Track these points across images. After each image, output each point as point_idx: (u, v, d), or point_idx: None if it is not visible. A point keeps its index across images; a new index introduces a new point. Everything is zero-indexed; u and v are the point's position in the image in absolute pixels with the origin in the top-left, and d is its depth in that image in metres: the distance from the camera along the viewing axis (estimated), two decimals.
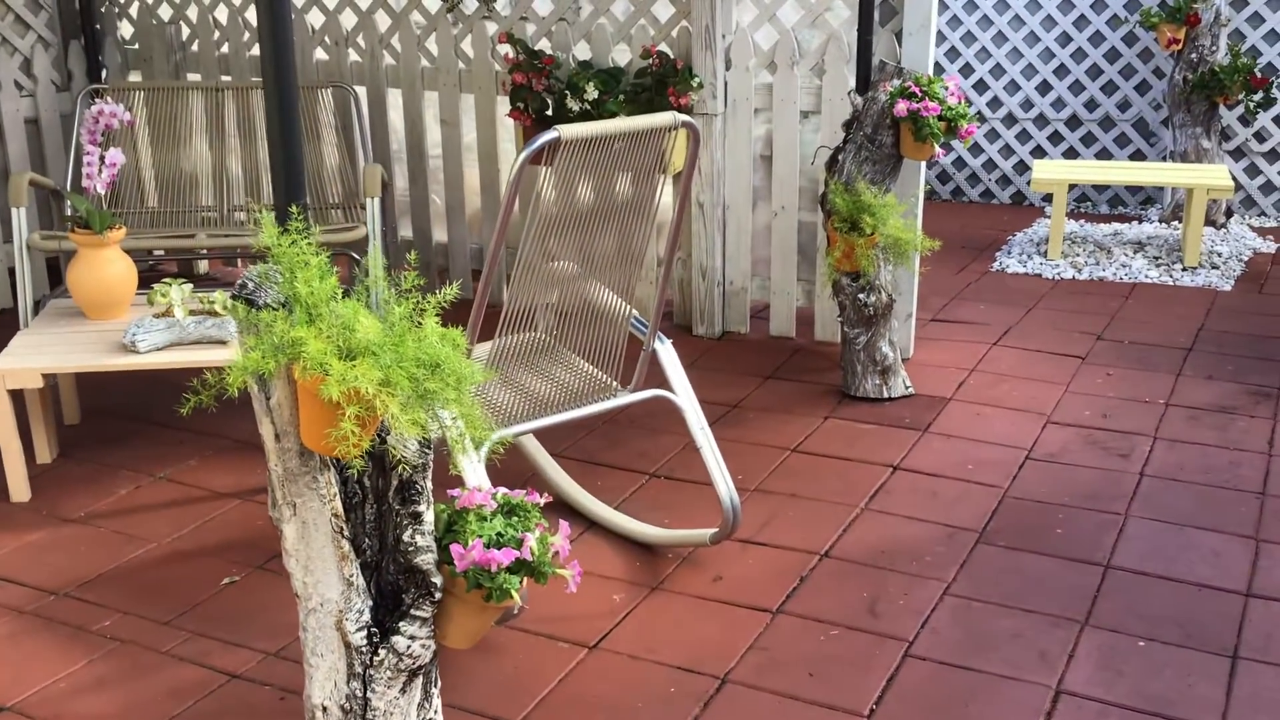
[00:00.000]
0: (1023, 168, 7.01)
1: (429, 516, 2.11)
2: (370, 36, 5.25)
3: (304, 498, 2.04)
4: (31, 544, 3.42)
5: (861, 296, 4.15)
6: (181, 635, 3.00)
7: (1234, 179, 6.53)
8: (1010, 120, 7.00)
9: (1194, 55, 6.18)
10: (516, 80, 4.72)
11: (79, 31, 5.50)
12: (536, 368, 3.15)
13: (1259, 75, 6.10)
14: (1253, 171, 6.60)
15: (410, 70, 5.21)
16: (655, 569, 3.26)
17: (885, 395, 4.24)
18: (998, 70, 6.97)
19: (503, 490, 2.23)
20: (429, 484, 2.10)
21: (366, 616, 2.10)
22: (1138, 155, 6.79)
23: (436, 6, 5.21)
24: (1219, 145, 6.32)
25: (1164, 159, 6.67)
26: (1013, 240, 6.22)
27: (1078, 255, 5.89)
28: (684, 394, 3.19)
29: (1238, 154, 6.60)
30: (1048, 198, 6.94)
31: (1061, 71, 6.84)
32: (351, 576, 2.08)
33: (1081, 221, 6.57)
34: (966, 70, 7.00)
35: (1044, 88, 6.89)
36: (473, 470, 2.64)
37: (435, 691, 2.22)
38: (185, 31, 5.66)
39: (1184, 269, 5.66)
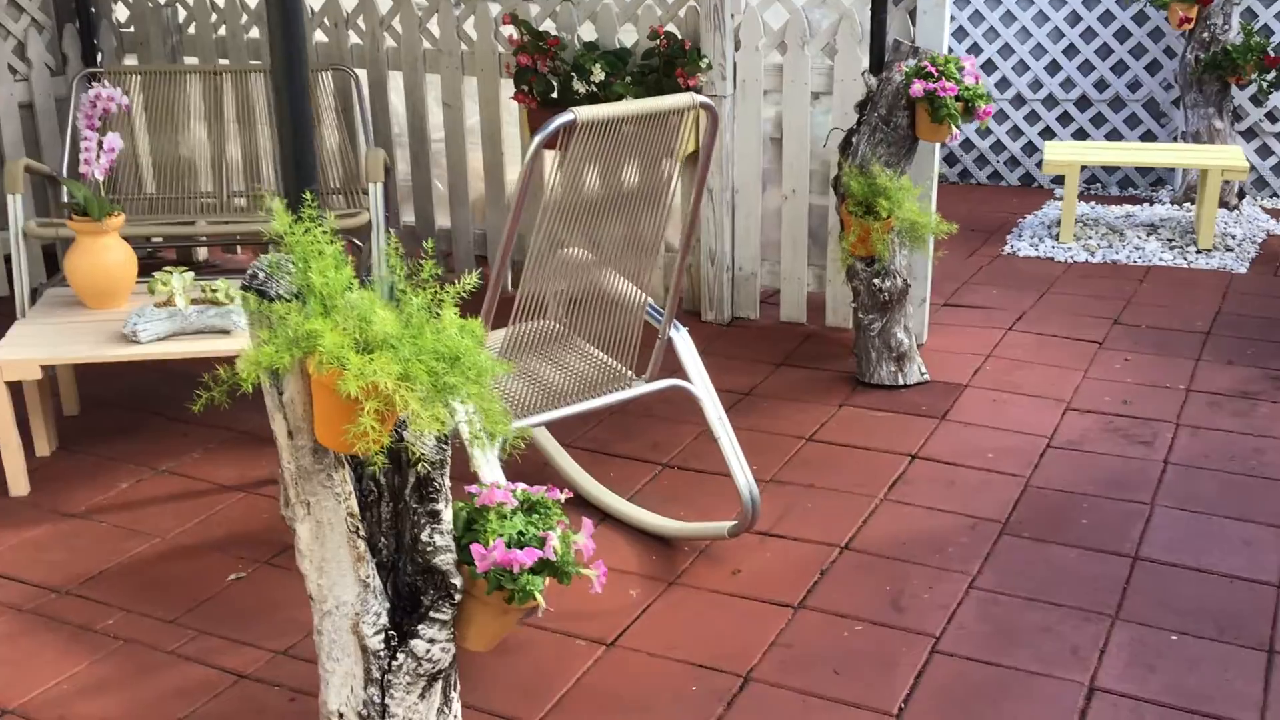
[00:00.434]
0: (1031, 149, 6.92)
1: (447, 515, 2.02)
2: (371, 18, 5.15)
3: (318, 496, 1.96)
4: (31, 540, 3.34)
5: (876, 282, 4.06)
6: (187, 634, 2.92)
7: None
8: (1019, 101, 6.90)
9: (1206, 34, 6.08)
10: (521, 62, 4.63)
11: (73, 15, 5.39)
12: (550, 357, 3.06)
13: (1271, 54, 6.01)
14: (1264, 152, 6.51)
15: (411, 52, 5.11)
16: (672, 563, 3.18)
17: (901, 382, 4.16)
18: (1006, 50, 6.87)
19: (522, 486, 2.15)
20: (447, 481, 2.02)
21: (384, 620, 2.02)
22: (1148, 136, 6.70)
23: None
24: (1231, 125, 6.23)
25: (1175, 140, 6.58)
26: (1023, 223, 6.14)
27: (1090, 238, 5.81)
28: (701, 384, 3.11)
29: (1249, 134, 6.51)
30: (1057, 180, 6.85)
31: (1071, 51, 6.74)
32: (368, 578, 2.00)
33: (1092, 203, 6.49)
34: (974, 50, 6.90)
35: (1053, 68, 6.80)
36: (489, 466, 2.56)
37: (455, 695, 2.14)
38: (181, 14, 5.55)
39: (1198, 251, 5.58)
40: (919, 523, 3.34)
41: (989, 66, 6.91)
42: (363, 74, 5.16)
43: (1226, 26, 6.08)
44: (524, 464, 3.64)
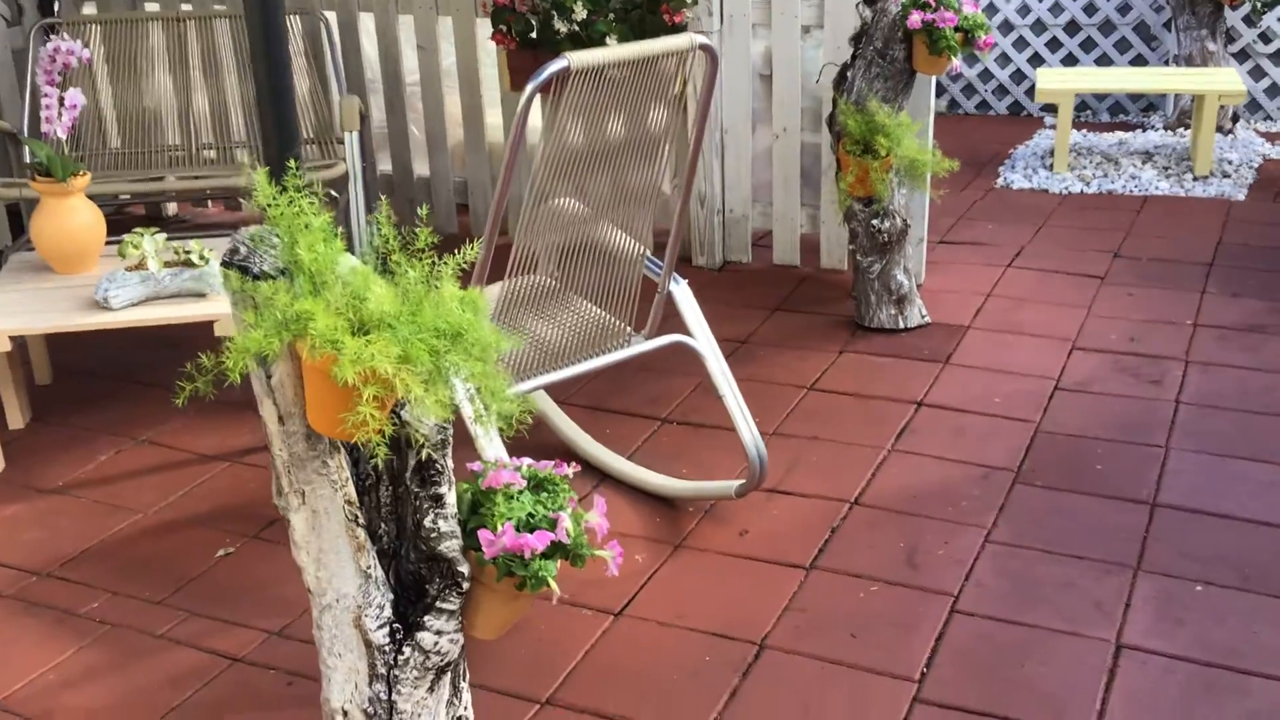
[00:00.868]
0: (1020, 77, 6.77)
1: (451, 498, 1.90)
2: None
3: (313, 484, 1.83)
4: (6, 519, 3.20)
5: (875, 223, 3.93)
6: (176, 615, 2.80)
7: None
8: (1006, 27, 6.74)
9: None
10: (498, 1, 4.43)
11: None
12: (546, 314, 2.93)
13: None
14: (1258, 74, 6.38)
15: None
16: (677, 525, 3.07)
17: (901, 326, 4.04)
18: None
19: (528, 462, 2.02)
20: (449, 462, 1.89)
21: (388, 612, 1.90)
22: (1139, 61, 6.55)
23: None
24: (1224, 48, 6.09)
25: (1166, 63, 6.44)
26: (1015, 154, 6.00)
27: (1084, 168, 5.68)
28: (703, 338, 2.98)
29: (1242, 56, 6.37)
30: (1047, 108, 6.70)
31: None
32: (369, 568, 1.88)
33: (1084, 131, 6.35)
34: None
35: None
36: (493, 444, 2.43)
37: (465, 686, 2.03)
38: None
39: (1195, 178, 5.46)
40: (929, 474, 3.24)
41: None
42: (332, 17, 4.96)
43: None
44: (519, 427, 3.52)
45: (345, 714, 1.93)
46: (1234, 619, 2.63)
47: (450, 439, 1.90)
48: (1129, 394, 3.60)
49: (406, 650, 1.89)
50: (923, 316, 4.08)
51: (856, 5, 4.04)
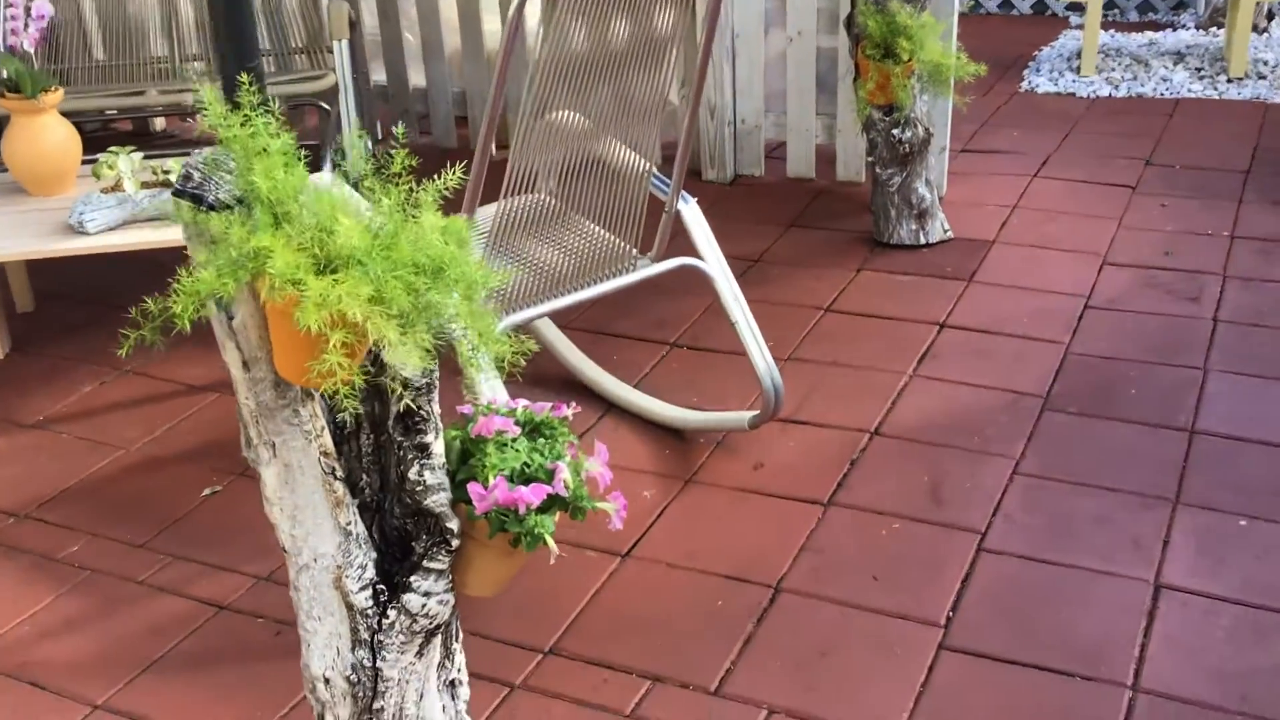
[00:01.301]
0: None
1: (438, 447, 1.73)
2: None
3: (284, 436, 1.66)
4: None
5: (896, 133, 3.70)
6: (160, 559, 2.66)
7: None
8: None
9: None
10: None
11: None
12: (546, 236, 2.73)
13: None
14: None
15: None
16: (687, 458, 2.90)
17: (922, 241, 3.84)
18: None
19: (523, 404, 1.85)
20: (436, 408, 1.72)
21: (371, 572, 1.74)
22: None
23: None
24: None
25: None
26: (1040, 56, 5.72)
27: (1113, 70, 5.41)
28: (714, 261, 2.79)
29: None
30: (1073, 7, 6.40)
31: None
32: (349, 525, 1.72)
33: (1111, 31, 6.06)
34: None
35: None
36: (489, 382, 2.25)
37: (457, 647, 1.88)
38: None
39: (1229, 80, 5.20)
40: (953, 400, 3.06)
41: None
42: None
43: None
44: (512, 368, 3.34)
45: (327, 681, 1.78)
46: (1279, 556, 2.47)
47: (436, 382, 1.72)
48: (1164, 312, 3.40)
49: (391, 613, 1.73)
50: (945, 231, 3.87)
51: None
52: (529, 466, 1.74)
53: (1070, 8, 6.43)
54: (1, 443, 3.10)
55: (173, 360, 3.43)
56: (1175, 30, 6.02)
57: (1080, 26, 5.97)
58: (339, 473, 1.70)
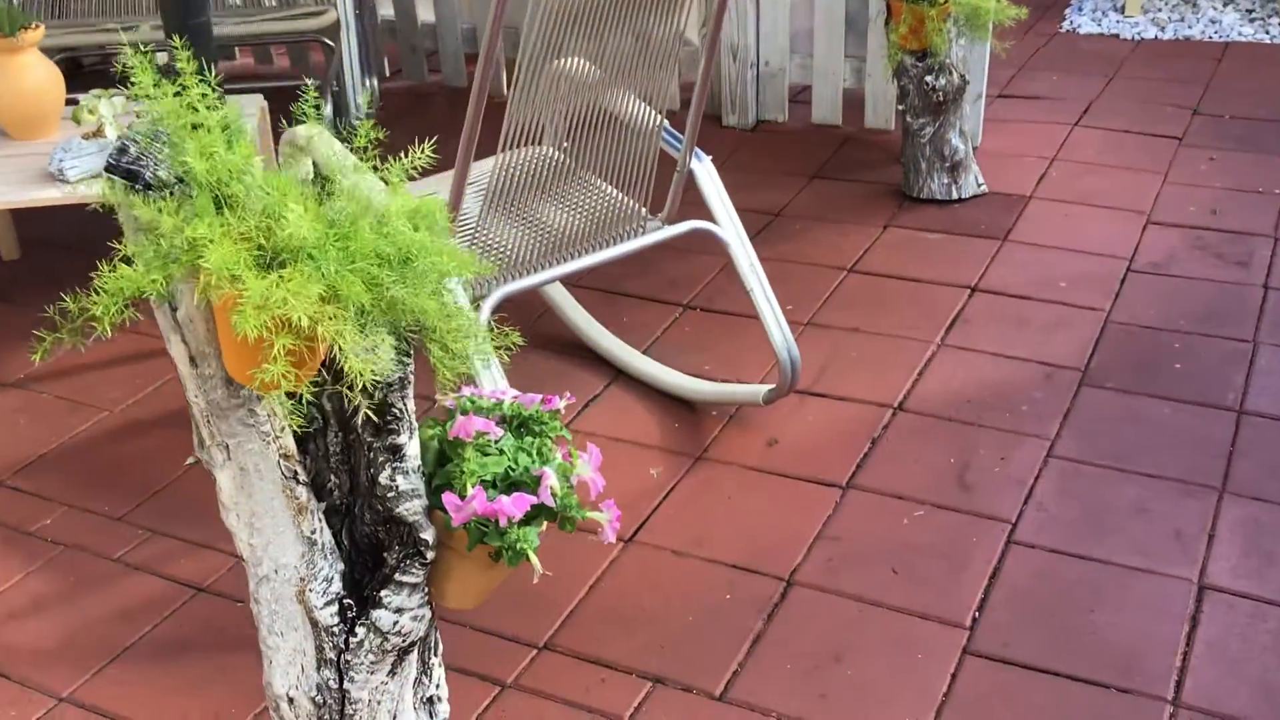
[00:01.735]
0: None
1: (413, 449, 1.56)
2: None
3: (239, 437, 1.49)
4: None
5: (929, 80, 3.47)
6: (137, 534, 2.51)
7: None
8: None
9: None
10: None
11: None
12: (550, 193, 2.54)
13: None
14: None
15: None
16: (697, 432, 2.73)
17: (955, 196, 3.62)
18: None
19: (512, 394, 1.67)
20: (410, 405, 1.55)
21: (337, 585, 1.57)
22: None
23: None
24: None
25: None
26: None
27: (1159, 10, 5.13)
28: (728, 225, 2.60)
29: None
30: None
31: None
32: (313, 533, 1.55)
33: None
34: None
35: None
36: (487, 372, 2.08)
37: (436, 661, 1.72)
38: None
39: None
40: (984, 373, 2.87)
41: None
42: None
43: None
44: (519, 311, 3.17)
45: (291, 701, 1.63)
46: None
47: (411, 377, 1.55)
48: (1211, 277, 3.19)
49: (360, 631, 1.57)
50: (979, 185, 3.66)
51: None
52: (514, 470, 1.57)
53: None
54: None
55: None
56: None
57: None
58: (302, 476, 1.53)
